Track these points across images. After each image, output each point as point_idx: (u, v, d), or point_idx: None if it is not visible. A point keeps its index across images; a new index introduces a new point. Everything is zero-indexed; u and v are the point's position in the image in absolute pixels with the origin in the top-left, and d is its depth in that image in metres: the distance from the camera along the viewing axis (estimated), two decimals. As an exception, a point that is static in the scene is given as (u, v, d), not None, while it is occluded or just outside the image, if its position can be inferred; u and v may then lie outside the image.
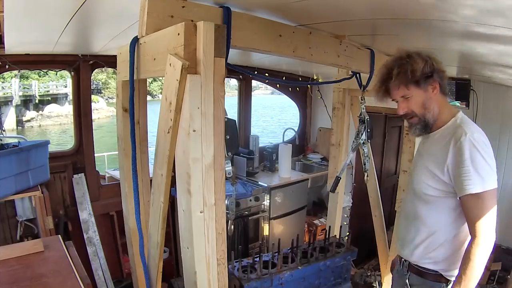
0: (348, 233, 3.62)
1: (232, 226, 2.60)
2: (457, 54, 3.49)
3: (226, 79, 1.99)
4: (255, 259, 3.07)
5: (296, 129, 7.59)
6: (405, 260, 2.61)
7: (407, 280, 2.58)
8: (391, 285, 2.94)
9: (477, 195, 2.14)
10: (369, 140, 3.41)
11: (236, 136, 2.21)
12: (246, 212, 5.34)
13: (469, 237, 2.24)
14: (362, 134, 3.38)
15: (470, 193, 2.14)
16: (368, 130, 3.40)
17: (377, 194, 4.35)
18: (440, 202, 2.37)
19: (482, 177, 2.14)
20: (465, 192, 2.15)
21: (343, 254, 3.37)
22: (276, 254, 3.17)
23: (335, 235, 3.73)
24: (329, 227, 3.71)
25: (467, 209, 2.21)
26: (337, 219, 4.29)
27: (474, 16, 1.99)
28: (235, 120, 2.19)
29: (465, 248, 2.27)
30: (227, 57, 1.98)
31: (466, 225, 2.28)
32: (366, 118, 3.38)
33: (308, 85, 7.36)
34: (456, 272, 2.31)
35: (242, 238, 5.26)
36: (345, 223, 4.68)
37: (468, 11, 1.93)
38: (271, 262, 3.10)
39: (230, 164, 2.34)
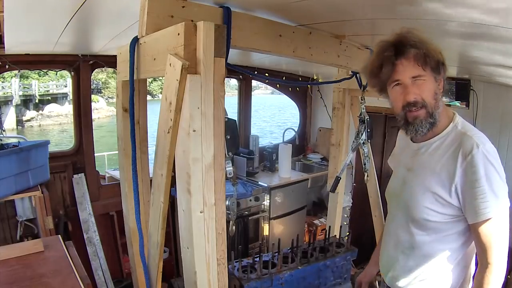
0: (348, 233, 3.61)
1: (234, 227, 2.60)
2: (457, 53, 3.48)
3: (226, 79, 1.99)
4: (255, 259, 3.07)
5: (296, 129, 7.58)
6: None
7: None
8: None
9: (493, 218, 1.81)
10: (369, 140, 3.37)
11: (236, 136, 2.21)
12: (246, 212, 5.35)
13: (473, 261, 2.06)
14: (362, 134, 3.35)
15: (488, 218, 1.81)
16: (368, 130, 3.37)
17: (377, 194, 4.35)
18: (446, 229, 2.00)
19: (499, 197, 1.82)
20: (482, 218, 1.82)
21: (343, 254, 3.37)
22: (276, 254, 3.18)
23: (335, 235, 3.73)
24: (329, 227, 3.71)
25: (480, 235, 1.85)
26: (337, 219, 4.29)
27: (475, 16, 1.99)
28: (235, 120, 2.18)
29: (470, 274, 2.08)
30: (227, 57, 1.98)
31: (471, 249, 2.02)
32: (366, 118, 3.34)
33: (308, 85, 7.36)
34: None
35: (242, 238, 5.26)
36: (345, 223, 4.68)
37: (468, 11, 1.93)
38: (271, 262, 3.10)
39: (230, 164, 2.34)
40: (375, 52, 2.06)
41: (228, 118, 2.27)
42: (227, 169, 2.28)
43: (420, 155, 2.11)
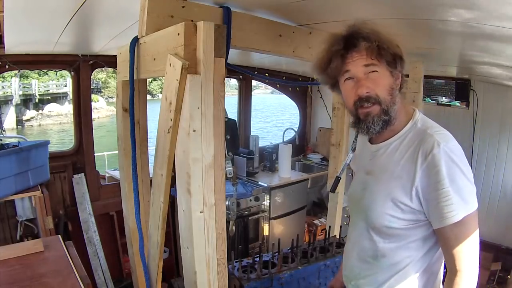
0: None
1: (234, 227, 2.60)
2: (458, 53, 3.49)
3: (226, 79, 1.99)
4: (255, 259, 3.07)
5: (296, 129, 7.58)
6: None
7: None
8: None
9: (459, 222, 1.61)
10: None
11: (236, 136, 2.20)
12: (246, 212, 5.34)
13: (441, 269, 1.88)
14: None
15: (453, 222, 1.62)
16: None
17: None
18: (409, 234, 1.80)
19: (465, 199, 1.62)
20: (447, 223, 1.63)
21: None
22: (276, 254, 3.18)
23: (335, 235, 3.73)
24: (329, 227, 3.72)
25: (447, 240, 1.68)
26: (337, 219, 4.29)
27: (474, 16, 1.99)
28: (235, 120, 2.17)
29: (439, 282, 1.90)
30: (227, 57, 1.98)
31: (438, 255, 1.83)
32: None
33: (308, 85, 7.36)
34: None
35: (242, 238, 5.26)
36: (345, 223, 4.68)
37: (468, 11, 1.94)
38: (271, 262, 3.10)
39: (230, 164, 2.35)
40: (325, 45, 1.88)
41: (228, 118, 2.27)
42: (227, 169, 2.29)
43: (379, 157, 1.91)
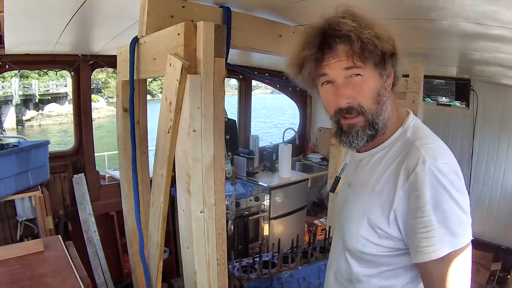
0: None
1: (232, 226, 2.60)
2: (458, 53, 3.49)
3: (226, 78, 1.99)
4: (255, 259, 3.07)
5: (296, 129, 7.58)
6: None
7: None
8: None
9: (444, 259, 1.30)
10: None
11: (236, 136, 2.19)
12: (246, 212, 5.34)
13: None
14: None
15: (433, 259, 1.31)
16: None
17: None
18: (387, 263, 1.52)
19: (452, 232, 1.30)
20: (424, 259, 1.32)
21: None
22: (276, 254, 3.18)
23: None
24: (329, 227, 3.71)
25: (429, 278, 1.37)
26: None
27: (474, 15, 1.99)
28: (235, 120, 2.15)
29: None
30: (227, 57, 1.98)
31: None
32: None
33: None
34: None
35: (242, 238, 5.26)
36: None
37: (468, 10, 1.93)
38: (271, 262, 3.11)
39: (230, 164, 2.34)
40: (298, 42, 1.56)
41: (227, 118, 2.27)
42: (226, 169, 2.28)
43: (361, 169, 1.64)
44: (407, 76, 3.71)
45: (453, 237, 1.29)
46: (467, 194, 1.36)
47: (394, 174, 1.41)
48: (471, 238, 1.33)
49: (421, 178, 1.31)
